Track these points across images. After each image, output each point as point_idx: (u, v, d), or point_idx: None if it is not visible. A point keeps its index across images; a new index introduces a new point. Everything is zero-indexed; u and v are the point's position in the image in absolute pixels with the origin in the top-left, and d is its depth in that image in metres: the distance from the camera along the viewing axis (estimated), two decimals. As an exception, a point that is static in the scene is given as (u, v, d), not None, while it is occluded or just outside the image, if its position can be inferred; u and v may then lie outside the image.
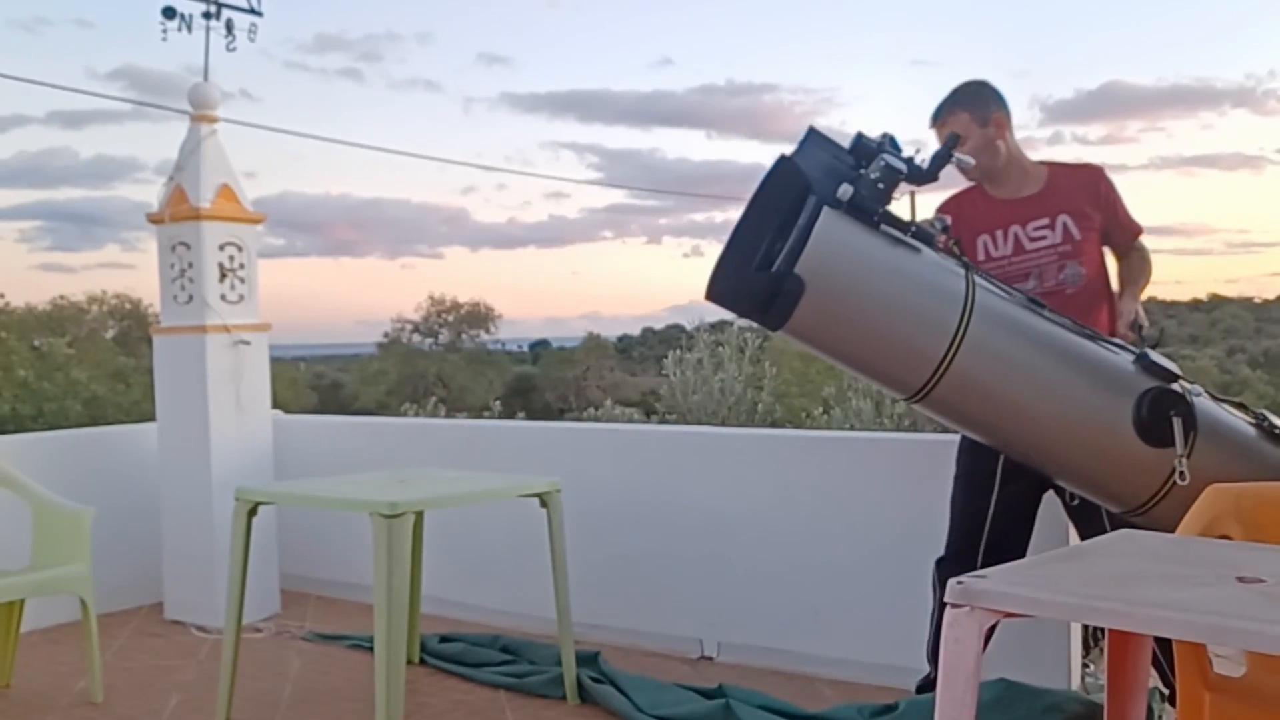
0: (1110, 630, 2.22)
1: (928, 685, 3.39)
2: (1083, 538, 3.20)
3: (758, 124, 74.63)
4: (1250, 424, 2.89)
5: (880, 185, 2.62)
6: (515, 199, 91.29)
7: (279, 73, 72.68)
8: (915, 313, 2.66)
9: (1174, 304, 51.27)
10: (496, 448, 5.03)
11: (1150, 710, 3.26)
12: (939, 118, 3.24)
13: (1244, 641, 1.56)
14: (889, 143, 2.70)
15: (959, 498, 3.35)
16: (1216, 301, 50.56)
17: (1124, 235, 3.28)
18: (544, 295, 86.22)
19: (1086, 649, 3.88)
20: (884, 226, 2.64)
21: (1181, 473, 2.67)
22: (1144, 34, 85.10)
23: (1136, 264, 3.28)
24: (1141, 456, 2.71)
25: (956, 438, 3.35)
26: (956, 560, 3.25)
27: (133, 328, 29.03)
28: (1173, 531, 2.80)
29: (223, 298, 4.85)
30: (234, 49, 4.99)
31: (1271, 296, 52.00)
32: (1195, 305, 50.60)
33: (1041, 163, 3.31)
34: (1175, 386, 2.74)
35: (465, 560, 4.80)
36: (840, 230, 2.58)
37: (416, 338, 37.05)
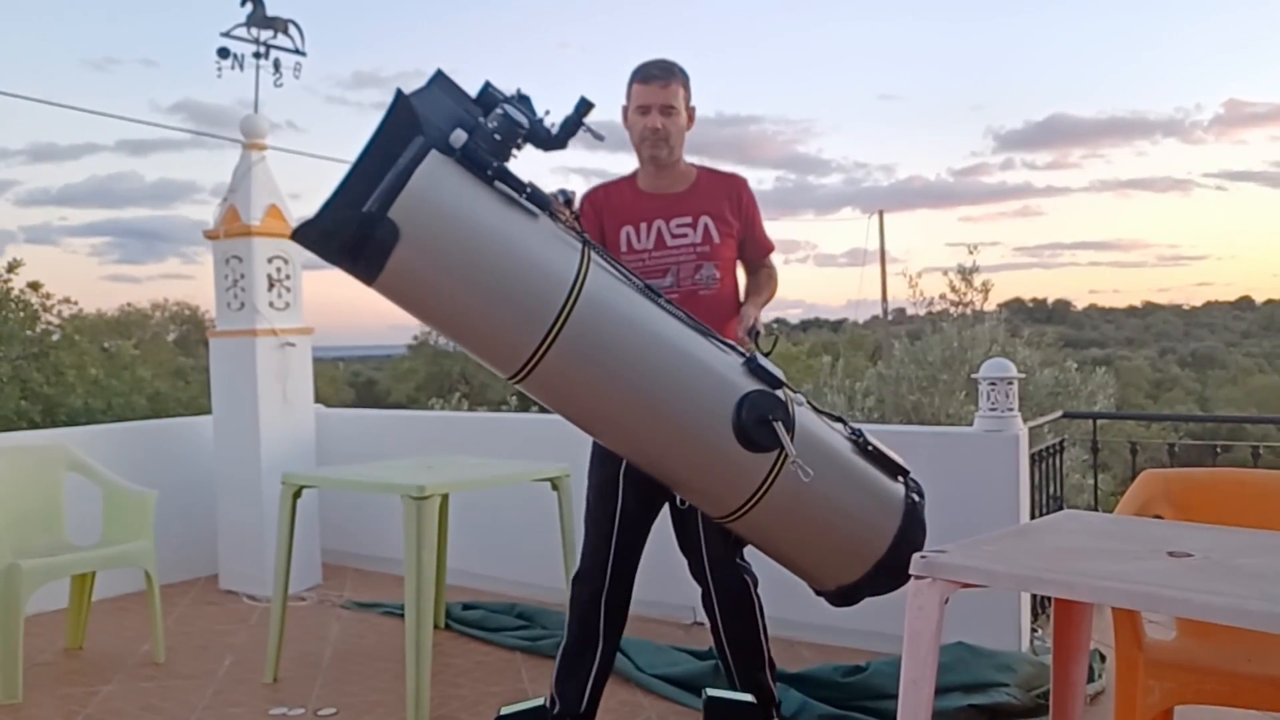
0: (1056, 599, 2.22)
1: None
2: (680, 542, 2.96)
3: (745, 151, 74.65)
4: (847, 438, 2.47)
5: (498, 137, 2.11)
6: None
7: (321, 106, 72.71)
8: (519, 282, 2.12)
9: (1112, 310, 51.51)
10: (513, 437, 5.02)
11: (1091, 670, 3.27)
12: (664, 78, 2.77)
13: (1174, 609, 1.56)
14: (518, 98, 2.20)
15: (589, 510, 2.91)
16: (1150, 308, 50.75)
17: (757, 250, 2.95)
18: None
19: (1035, 615, 3.88)
20: (498, 184, 2.11)
21: (806, 470, 2.26)
22: (1085, 71, 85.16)
23: (764, 279, 2.95)
24: (737, 459, 2.27)
25: (914, 427, 3.27)
26: (586, 577, 2.86)
27: (191, 331, 28.98)
28: (761, 543, 2.53)
29: (271, 305, 4.84)
30: (281, 85, 5.00)
31: (1199, 304, 52.17)
32: (1131, 311, 50.80)
33: (692, 164, 2.93)
34: (779, 393, 2.31)
35: (485, 537, 4.79)
36: (446, 178, 2.05)
37: (442, 340, 37.02)
